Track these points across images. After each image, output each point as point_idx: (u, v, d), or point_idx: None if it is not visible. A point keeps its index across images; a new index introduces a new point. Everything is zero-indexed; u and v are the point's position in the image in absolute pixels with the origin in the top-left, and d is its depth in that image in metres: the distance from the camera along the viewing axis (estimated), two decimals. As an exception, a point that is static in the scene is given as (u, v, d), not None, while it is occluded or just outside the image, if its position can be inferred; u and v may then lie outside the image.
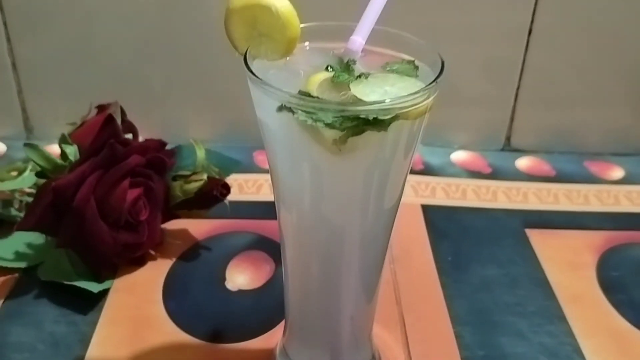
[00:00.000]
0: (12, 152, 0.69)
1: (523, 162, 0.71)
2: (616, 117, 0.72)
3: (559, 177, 0.69)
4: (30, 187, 0.55)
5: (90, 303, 0.50)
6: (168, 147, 0.57)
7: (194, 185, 0.53)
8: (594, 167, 0.71)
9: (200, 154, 0.54)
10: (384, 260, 0.40)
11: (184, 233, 0.57)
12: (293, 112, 0.31)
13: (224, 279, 0.53)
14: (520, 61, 0.68)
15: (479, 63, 0.68)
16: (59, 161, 0.51)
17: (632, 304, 0.53)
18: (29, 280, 0.52)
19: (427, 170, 0.68)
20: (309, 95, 0.31)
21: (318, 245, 0.37)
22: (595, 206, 0.65)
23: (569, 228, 0.61)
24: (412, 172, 0.67)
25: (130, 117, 0.59)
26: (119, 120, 0.53)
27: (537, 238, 0.59)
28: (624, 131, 0.73)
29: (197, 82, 0.69)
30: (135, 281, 0.52)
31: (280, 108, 0.31)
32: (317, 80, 0.33)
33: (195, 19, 0.65)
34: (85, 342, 0.47)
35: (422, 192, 0.65)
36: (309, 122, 0.30)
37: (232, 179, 0.64)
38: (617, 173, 0.70)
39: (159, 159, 0.52)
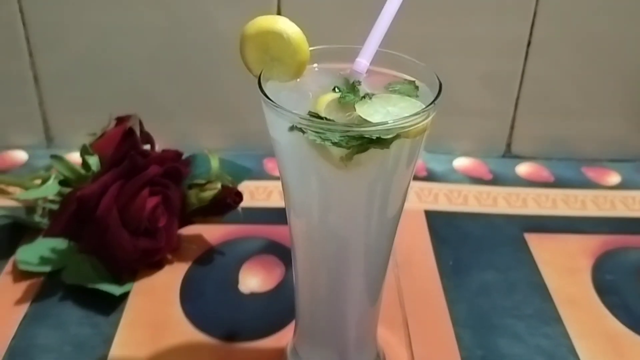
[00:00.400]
0: (33, 161, 0.72)
1: (523, 169, 0.74)
2: (612, 126, 0.75)
3: (558, 183, 0.71)
4: (53, 195, 0.58)
5: (112, 305, 0.53)
6: (183, 156, 0.60)
7: (208, 194, 0.56)
8: (591, 173, 0.73)
9: (215, 163, 0.57)
10: (387, 265, 0.43)
11: (199, 238, 0.60)
12: (303, 132, 0.33)
13: (237, 282, 0.56)
14: (519, 72, 0.71)
15: (479, 75, 0.71)
16: (83, 171, 0.54)
17: (626, 306, 0.55)
18: (54, 284, 0.55)
19: (431, 177, 0.71)
20: (318, 116, 0.34)
21: (326, 251, 0.40)
22: (592, 211, 0.67)
23: (566, 232, 0.64)
24: (416, 178, 0.70)
25: (146, 128, 0.63)
26: (138, 132, 0.56)
27: (535, 242, 0.62)
28: (620, 139, 0.76)
29: (209, 94, 0.72)
30: (154, 284, 0.56)
31: (292, 128, 0.34)
32: (325, 101, 0.36)
33: (207, 35, 0.68)
34: (108, 342, 0.50)
35: (425, 198, 0.68)
36: (318, 141, 0.33)
37: (244, 186, 0.66)
38: (614, 179, 0.73)
39: (175, 168, 0.55)
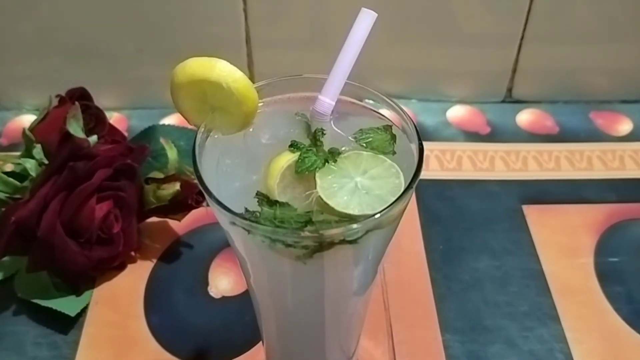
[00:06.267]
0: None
1: (524, 117, 0.66)
2: (627, 57, 0.66)
3: (562, 135, 0.65)
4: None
5: (70, 320, 0.49)
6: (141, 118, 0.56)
7: (167, 193, 0.49)
8: (600, 120, 0.66)
9: (172, 154, 0.50)
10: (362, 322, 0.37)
11: (164, 229, 0.55)
12: (248, 232, 0.27)
13: (207, 284, 0.51)
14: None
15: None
16: (19, 184, 0.47)
17: (629, 298, 0.51)
18: (6, 295, 0.50)
19: (421, 133, 0.64)
20: (268, 200, 0.28)
21: (293, 319, 0.35)
22: (598, 171, 0.61)
23: (568, 202, 0.58)
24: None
25: (103, 84, 0.56)
26: (80, 123, 0.49)
27: (535, 216, 0.56)
28: (634, 73, 0.67)
29: (167, 40, 0.63)
30: (116, 290, 0.51)
31: (234, 224, 0.27)
32: (280, 168, 0.29)
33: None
34: (68, 367, 0.46)
35: (414, 162, 0.61)
36: (267, 242, 0.27)
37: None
38: (625, 127, 0.66)
39: (127, 165, 0.49)
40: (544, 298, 0.51)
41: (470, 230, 0.56)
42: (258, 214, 0.27)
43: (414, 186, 0.28)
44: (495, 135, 0.64)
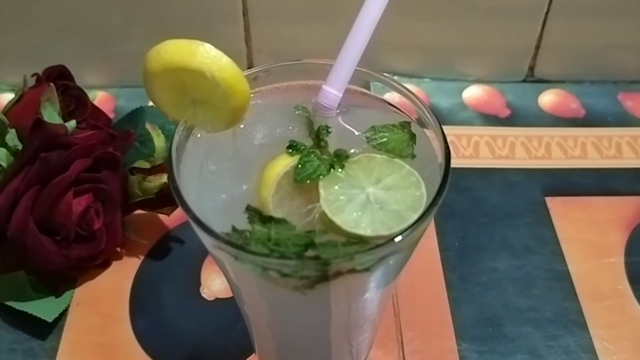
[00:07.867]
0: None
1: (547, 98, 0.61)
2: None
3: (589, 118, 0.59)
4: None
5: (49, 324, 0.44)
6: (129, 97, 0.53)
7: (153, 185, 0.44)
8: (629, 102, 0.61)
9: (159, 142, 0.45)
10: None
11: (151, 224, 0.50)
12: (236, 259, 0.22)
13: (199, 284, 0.47)
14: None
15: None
16: (-14, 176, 0.42)
17: (664, 303, 0.46)
18: (-21, 294, 0.46)
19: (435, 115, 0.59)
20: (260, 216, 0.23)
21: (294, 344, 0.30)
22: (627, 159, 0.56)
23: (596, 194, 0.53)
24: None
25: (87, 60, 0.52)
26: (56, 107, 0.44)
27: (559, 210, 0.52)
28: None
29: (159, 14, 0.57)
30: (99, 291, 0.46)
31: (219, 247, 0.22)
32: (275, 176, 0.24)
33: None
34: (45, 378, 0.42)
35: (427, 149, 0.56)
36: (258, 271, 0.22)
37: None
38: (657, 110, 0.60)
39: (108, 155, 0.44)
40: (570, 302, 0.46)
41: (489, 225, 0.51)
42: (248, 234, 0.22)
43: (440, 202, 0.23)
44: (515, 118, 0.59)
